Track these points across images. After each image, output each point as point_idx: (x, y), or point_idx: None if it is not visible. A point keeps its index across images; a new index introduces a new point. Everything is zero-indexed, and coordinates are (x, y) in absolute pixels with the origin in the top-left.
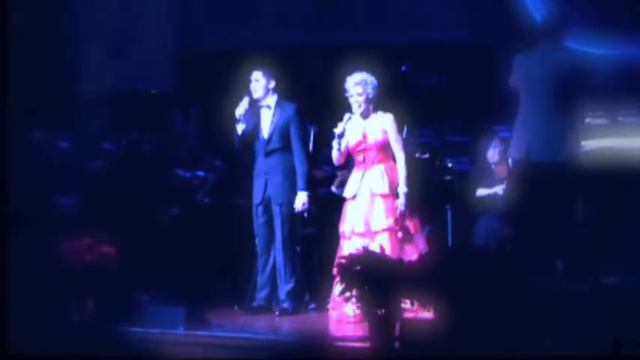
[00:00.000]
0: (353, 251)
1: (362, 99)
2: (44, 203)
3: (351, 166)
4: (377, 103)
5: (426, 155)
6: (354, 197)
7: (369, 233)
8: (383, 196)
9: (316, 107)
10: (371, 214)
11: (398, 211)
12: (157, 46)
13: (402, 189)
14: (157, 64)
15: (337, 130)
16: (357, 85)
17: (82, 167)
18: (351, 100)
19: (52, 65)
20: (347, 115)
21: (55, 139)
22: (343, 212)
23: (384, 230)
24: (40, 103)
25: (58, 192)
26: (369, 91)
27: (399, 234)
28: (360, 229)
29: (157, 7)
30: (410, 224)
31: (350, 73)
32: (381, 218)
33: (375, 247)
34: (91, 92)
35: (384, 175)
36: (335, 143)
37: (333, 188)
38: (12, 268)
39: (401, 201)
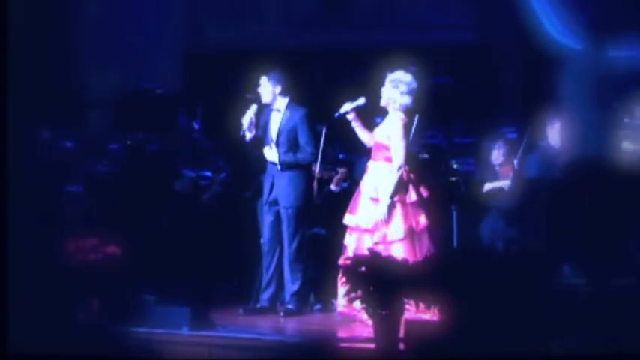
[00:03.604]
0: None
1: (384, 95)
2: (48, 203)
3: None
4: (403, 108)
5: (426, 156)
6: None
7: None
8: (372, 198)
9: (326, 108)
10: (364, 211)
11: (379, 217)
12: (163, 45)
13: (385, 199)
14: (163, 64)
15: (341, 109)
16: (388, 82)
17: (87, 167)
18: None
19: (57, 65)
20: (361, 99)
21: (60, 138)
22: None
23: (366, 230)
24: (46, 103)
25: (63, 191)
26: (392, 92)
27: (375, 238)
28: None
29: (163, 7)
30: (415, 223)
31: (392, 69)
32: (367, 217)
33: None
34: (96, 92)
35: (379, 176)
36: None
37: (333, 186)
38: (13, 268)
39: (382, 210)
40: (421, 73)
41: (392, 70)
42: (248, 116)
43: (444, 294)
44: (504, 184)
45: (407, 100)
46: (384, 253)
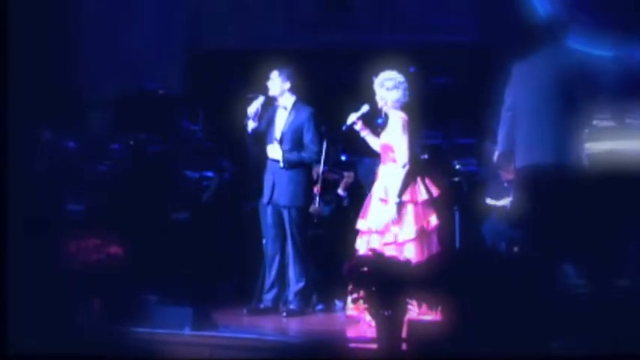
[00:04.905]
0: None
1: (377, 99)
2: (50, 203)
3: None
4: (399, 104)
5: (425, 156)
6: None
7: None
8: (381, 199)
9: (329, 109)
10: (374, 214)
11: (389, 218)
12: (166, 46)
13: (394, 198)
14: (166, 65)
15: (348, 121)
16: (376, 86)
17: (89, 168)
18: None
19: (58, 65)
20: (365, 107)
21: (62, 139)
22: None
23: (376, 232)
24: (47, 104)
25: (65, 192)
26: (380, 92)
27: (387, 237)
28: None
29: (166, 8)
30: (426, 223)
31: (376, 73)
32: (377, 219)
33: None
34: (98, 92)
35: (388, 178)
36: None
37: (340, 191)
38: (13, 268)
39: (391, 209)
40: (423, 73)
41: (376, 75)
42: (254, 106)
43: (446, 294)
44: (507, 201)
45: (396, 94)
46: (395, 254)
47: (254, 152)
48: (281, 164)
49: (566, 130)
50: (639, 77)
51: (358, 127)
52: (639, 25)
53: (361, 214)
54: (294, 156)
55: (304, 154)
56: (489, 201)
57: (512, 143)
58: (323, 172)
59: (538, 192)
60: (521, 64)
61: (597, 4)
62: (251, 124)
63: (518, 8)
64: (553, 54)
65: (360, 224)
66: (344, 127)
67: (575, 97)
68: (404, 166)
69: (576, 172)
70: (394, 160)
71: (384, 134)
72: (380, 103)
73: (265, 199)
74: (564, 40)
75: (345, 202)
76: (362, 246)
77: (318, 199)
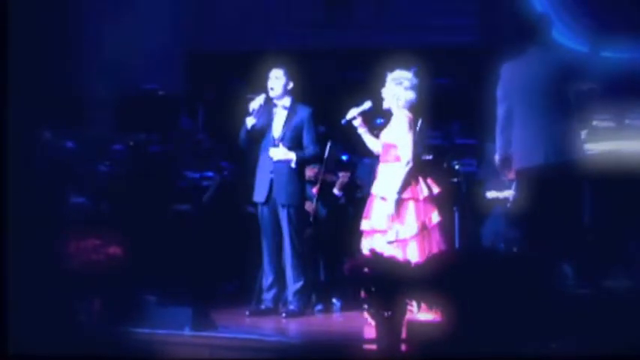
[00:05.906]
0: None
1: (387, 95)
2: (50, 203)
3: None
4: (408, 104)
5: (430, 157)
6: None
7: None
8: (382, 198)
9: (329, 109)
10: (376, 213)
11: (387, 214)
12: (166, 46)
13: (393, 195)
14: (165, 65)
15: (348, 115)
16: (390, 81)
17: (89, 168)
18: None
19: (57, 66)
20: (367, 103)
21: (62, 139)
22: None
23: (379, 231)
24: (47, 104)
25: (65, 193)
26: (396, 89)
27: (389, 235)
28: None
29: (166, 8)
30: (428, 220)
31: (391, 69)
32: (379, 218)
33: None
34: (98, 93)
35: (390, 176)
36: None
37: (335, 191)
38: (13, 268)
39: (390, 205)
40: (423, 73)
41: (391, 70)
42: (257, 102)
43: (446, 295)
44: (509, 194)
45: (411, 95)
46: (397, 252)
47: (246, 150)
48: (293, 165)
49: (562, 130)
50: (639, 77)
51: (357, 122)
52: (639, 26)
53: (364, 214)
54: (303, 155)
55: (308, 153)
56: (491, 194)
57: (510, 146)
58: (322, 172)
59: (537, 192)
60: (514, 64)
61: (597, 5)
62: (251, 121)
63: (518, 9)
64: (547, 53)
65: (364, 225)
66: (343, 122)
67: (569, 96)
68: (407, 164)
69: (574, 172)
70: (397, 159)
71: (386, 133)
72: (389, 100)
73: (262, 197)
74: (558, 39)
75: (341, 202)
76: (365, 246)
77: (315, 198)
